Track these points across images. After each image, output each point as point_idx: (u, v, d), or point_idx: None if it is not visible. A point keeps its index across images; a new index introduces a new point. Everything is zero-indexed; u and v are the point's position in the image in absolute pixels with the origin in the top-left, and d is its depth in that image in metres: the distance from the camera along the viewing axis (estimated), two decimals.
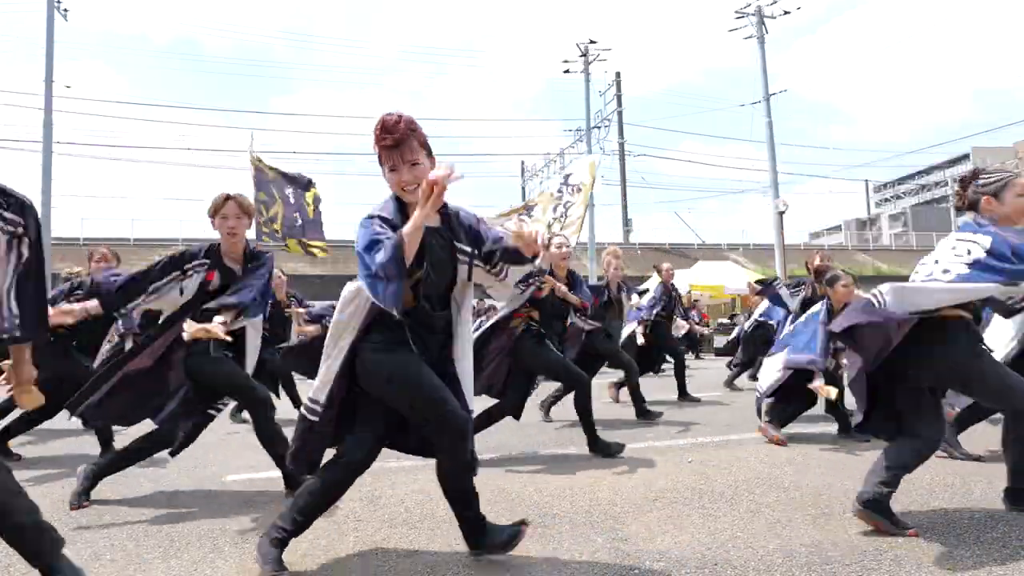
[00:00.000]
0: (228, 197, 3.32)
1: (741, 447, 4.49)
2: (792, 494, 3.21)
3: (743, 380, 8.97)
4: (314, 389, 2.31)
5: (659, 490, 3.34)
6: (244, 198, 3.42)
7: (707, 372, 12.09)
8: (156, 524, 2.92)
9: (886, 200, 66.06)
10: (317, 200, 7.40)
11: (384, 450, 4.65)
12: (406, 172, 2.16)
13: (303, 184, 7.36)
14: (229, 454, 4.57)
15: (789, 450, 4.32)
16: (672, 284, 7.66)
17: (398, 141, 2.14)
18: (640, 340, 6.84)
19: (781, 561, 2.31)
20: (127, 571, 2.36)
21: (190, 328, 3.09)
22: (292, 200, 7.21)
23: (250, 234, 3.63)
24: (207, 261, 3.25)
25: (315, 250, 7.33)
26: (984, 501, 3.02)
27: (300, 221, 7.20)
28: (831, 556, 2.35)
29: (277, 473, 3.86)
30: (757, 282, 6.33)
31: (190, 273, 3.23)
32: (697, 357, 17.07)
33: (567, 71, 26.43)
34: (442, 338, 2.36)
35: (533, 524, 2.77)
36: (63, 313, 3.14)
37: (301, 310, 5.89)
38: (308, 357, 2.78)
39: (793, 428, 5.22)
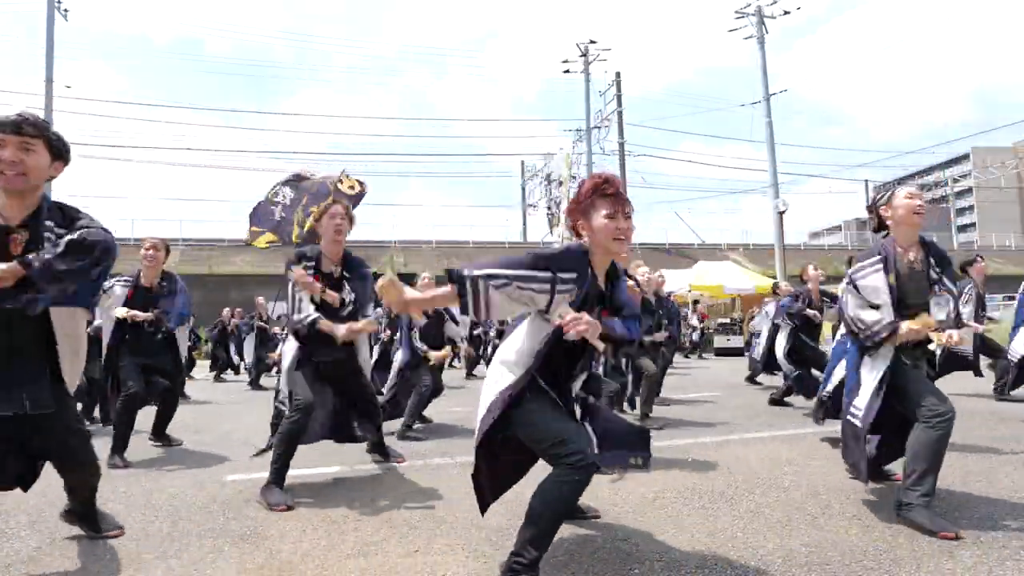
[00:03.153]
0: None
1: (741, 447, 4.49)
2: (792, 494, 3.21)
3: (738, 379, 8.97)
4: None
5: (659, 490, 3.34)
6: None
7: (707, 372, 12.10)
8: (156, 524, 2.92)
9: None
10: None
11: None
12: (623, 221, 2.24)
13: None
14: (229, 454, 4.57)
15: (789, 450, 4.32)
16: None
17: (619, 192, 2.26)
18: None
19: (781, 561, 2.31)
20: (127, 571, 2.36)
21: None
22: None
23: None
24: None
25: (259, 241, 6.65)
26: (984, 501, 3.02)
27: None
28: (831, 556, 2.35)
29: None
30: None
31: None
32: (700, 356, 17.15)
33: (567, 71, 26.44)
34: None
35: None
36: None
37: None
38: None
39: (793, 428, 5.23)
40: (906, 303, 2.84)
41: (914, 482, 2.66)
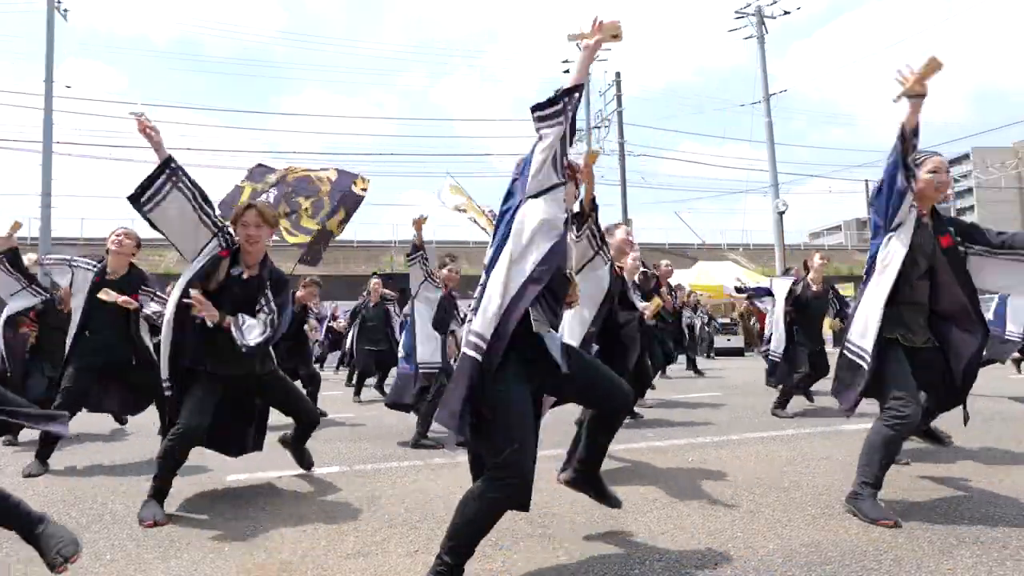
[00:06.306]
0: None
1: (741, 447, 4.49)
2: (792, 494, 3.21)
3: (738, 380, 8.95)
4: None
5: (659, 490, 3.34)
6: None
7: (707, 372, 12.08)
8: (156, 524, 2.91)
9: None
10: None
11: (383, 450, 4.64)
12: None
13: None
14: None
15: (789, 450, 4.32)
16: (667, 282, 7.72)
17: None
18: None
19: (781, 561, 2.31)
20: (127, 571, 2.36)
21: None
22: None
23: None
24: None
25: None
26: (984, 501, 3.02)
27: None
28: (831, 556, 2.35)
29: (277, 473, 3.86)
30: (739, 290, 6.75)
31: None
32: (710, 356, 16.81)
33: (567, 71, 26.39)
34: None
35: (533, 524, 2.77)
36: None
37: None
38: None
39: (793, 428, 5.23)
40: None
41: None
